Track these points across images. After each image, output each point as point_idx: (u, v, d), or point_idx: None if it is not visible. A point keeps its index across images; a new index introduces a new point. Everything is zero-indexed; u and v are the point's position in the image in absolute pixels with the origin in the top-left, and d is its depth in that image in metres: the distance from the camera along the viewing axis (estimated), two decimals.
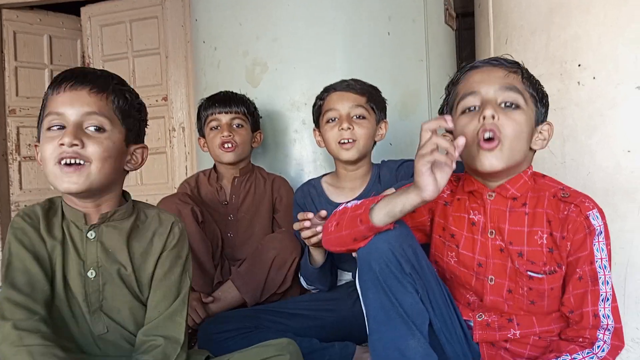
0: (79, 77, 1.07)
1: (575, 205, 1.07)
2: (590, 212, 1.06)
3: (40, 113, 1.10)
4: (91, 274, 1.09)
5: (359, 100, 1.63)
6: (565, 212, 1.07)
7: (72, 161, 1.03)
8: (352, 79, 1.67)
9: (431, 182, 0.95)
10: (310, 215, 1.44)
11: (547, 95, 1.17)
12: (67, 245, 1.09)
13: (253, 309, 1.63)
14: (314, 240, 1.45)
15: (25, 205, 3.64)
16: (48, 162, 1.04)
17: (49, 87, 1.09)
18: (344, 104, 1.63)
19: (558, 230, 1.08)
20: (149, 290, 1.13)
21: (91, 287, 1.09)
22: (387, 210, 1.02)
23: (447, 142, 0.96)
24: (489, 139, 1.07)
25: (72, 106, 1.05)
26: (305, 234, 1.45)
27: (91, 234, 1.11)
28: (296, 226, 1.48)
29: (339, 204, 1.22)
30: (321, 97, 1.70)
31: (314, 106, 1.74)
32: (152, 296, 1.12)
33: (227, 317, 1.56)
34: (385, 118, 1.72)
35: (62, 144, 1.02)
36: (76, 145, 1.03)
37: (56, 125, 1.05)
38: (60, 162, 1.03)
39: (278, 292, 1.74)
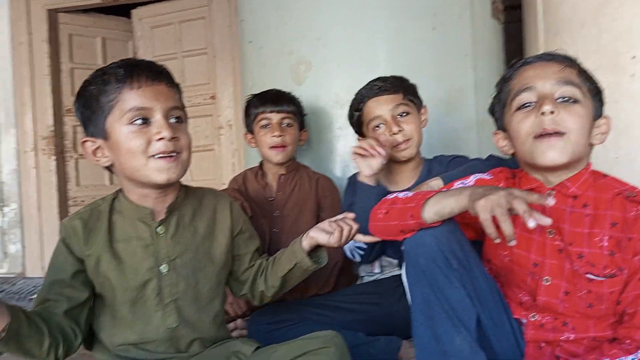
0: (154, 71, 1.09)
1: None
2: None
3: (97, 106, 1.07)
4: (164, 268, 1.14)
5: (397, 100, 1.62)
6: (633, 213, 1.04)
7: (171, 153, 1.08)
8: (379, 80, 1.65)
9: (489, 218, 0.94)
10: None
11: (602, 89, 1.14)
12: (134, 244, 1.13)
13: (300, 302, 1.66)
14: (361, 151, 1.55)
15: (82, 202, 3.81)
16: (139, 156, 1.06)
17: (117, 81, 1.06)
18: (383, 108, 1.62)
19: (624, 231, 1.05)
20: (225, 259, 1.24)
21: (164, 282, 1.14)
22: (437, 209, 1.02)
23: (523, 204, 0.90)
24: (549, 135, 1.05)
25: (158, 100, 1.07)
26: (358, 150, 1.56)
27: (161, 229, 1.15)
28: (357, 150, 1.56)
29: None
30: (357, 108, 1.68)
31: (350, 117, 1.72)
32: (245, 249, 1.30)
33: (275, 308, 1.60)
34: (422, 102, 1.71)
35: (162, 138, 1.06)
36: (175, 138, 1.08)
37: (139, 119, 1.06)
38: (154, 156, 1.06)
39: (319, 293, 1.77)
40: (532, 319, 1.14)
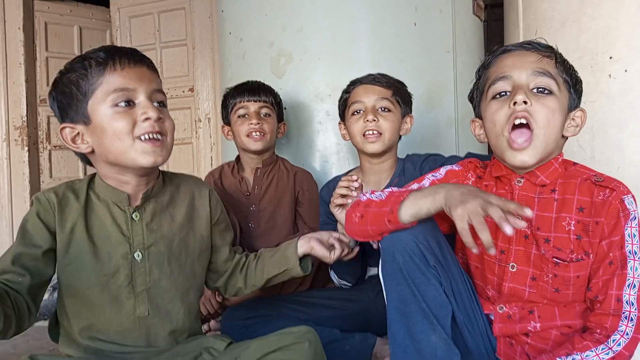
0: (136, 53, 1.07)
1: (611, 189, 1.04)
2: (625, 196, 1.04)
3: (77, 91, 1.04)
4: (138, 255, 1.11)
5: (384, 93, 1.63)
6: (600, 197, 1.05)
7: (156, 136, 1.05)
8: (379, 73, 1.67)
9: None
10: (356, 185, 1.41)
11: (580, 80, 1.14)
12: (108, 227, 1.10)
13: (275, 297, 1.64)
14: (340, 201, 1.43)
15: None
16: (125, 138, 1.03)
17: (98, 64, 1.03)
18: (369, 97, 1.63)
19: (591, 215, 1.05)
20: (202, 248, 1.23)
21: (137, 270, 1.11)
22: (413, 211, 1.02)
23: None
24: (520, 125, 1.06)
25: (141, 82, 1.05)
26: (337, 201, 1.42)
27: (136, 215, 1.12)
28: (343, 184, 1.43)
29: None
30: (347, 90, 1.71)
31: (340, 99, 1.74)
32: (221, 241, 1.29)
33: (250, 304, 1.58)
34: (411, 112, 1.72)
35: (148, 118, 1.03)
36: (161, 119, 1.06)
37: (123, 101, 1.04)
38: (140, 138, 1.04)
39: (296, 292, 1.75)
40: (500, 311, 1.15)
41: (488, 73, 1.16)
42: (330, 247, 1.31)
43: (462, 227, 0.92)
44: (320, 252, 1.28)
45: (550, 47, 1.12)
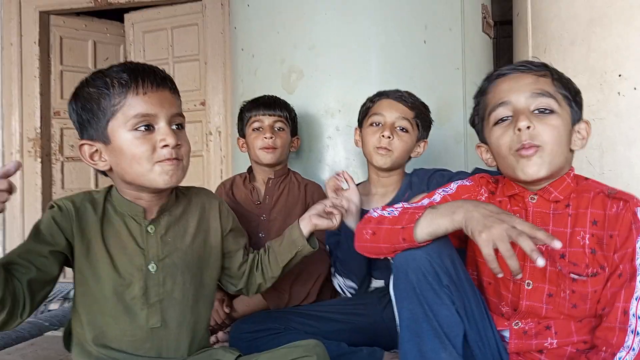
0: (158, 76, 1.08)
1: (624, 201, 1.03)
2: (638, 208, 1.02)
3: (98, 109, 1.05)
4: (152, 267, 1.13)
5: (407, 113, 1.64)
6: (614, 209, 1.04)
7: (174, 160, 1.08)
8: (407, 92, 1.68)
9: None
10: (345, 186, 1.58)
11: (579, 92, 1.13)
12: (124, 239, 1.12)
13: (283, 311, 1.65)
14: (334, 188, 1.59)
15: None
16: (144, 163, 1.05)
17: (121, 85, 1.04)
18: (392, 113, 1.64)
19: (605, 228, 1.04)
20: (213, 260, 1.25)
21: (151, 281, 1.12)
22: (430, 230, 1.02)
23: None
24: (527, 148, 1.06)
25: (162, 107, 1.06)
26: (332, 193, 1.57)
27: (151, 228, 1.14)
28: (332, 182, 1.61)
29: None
30: (372, 100, 1.72)
31: (362, 106, 1.75)
32: (235, 246, 1.32)
33: (258, 317, 1.59)
34: (427, 138, 1.73)
35: (166, 145, 1.05)
36: (178, 145, 1.08)
37: (143, 125, 1.05)
38: (160, 162, 1.06)
39: (302, 304, 1.75)
40: (516, 327, 1.13)
41: (486, 99, 1.16)
42: (329, 215, 1.34)
43: (488, 253, 0.91)
44: (323, 224, 1.31)
45: (545, 65, 1.12)
